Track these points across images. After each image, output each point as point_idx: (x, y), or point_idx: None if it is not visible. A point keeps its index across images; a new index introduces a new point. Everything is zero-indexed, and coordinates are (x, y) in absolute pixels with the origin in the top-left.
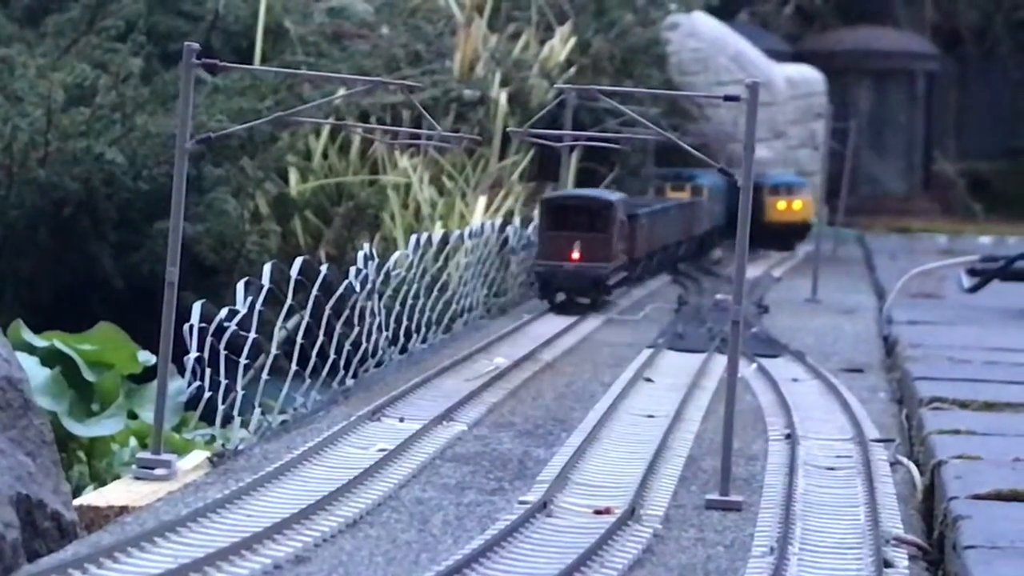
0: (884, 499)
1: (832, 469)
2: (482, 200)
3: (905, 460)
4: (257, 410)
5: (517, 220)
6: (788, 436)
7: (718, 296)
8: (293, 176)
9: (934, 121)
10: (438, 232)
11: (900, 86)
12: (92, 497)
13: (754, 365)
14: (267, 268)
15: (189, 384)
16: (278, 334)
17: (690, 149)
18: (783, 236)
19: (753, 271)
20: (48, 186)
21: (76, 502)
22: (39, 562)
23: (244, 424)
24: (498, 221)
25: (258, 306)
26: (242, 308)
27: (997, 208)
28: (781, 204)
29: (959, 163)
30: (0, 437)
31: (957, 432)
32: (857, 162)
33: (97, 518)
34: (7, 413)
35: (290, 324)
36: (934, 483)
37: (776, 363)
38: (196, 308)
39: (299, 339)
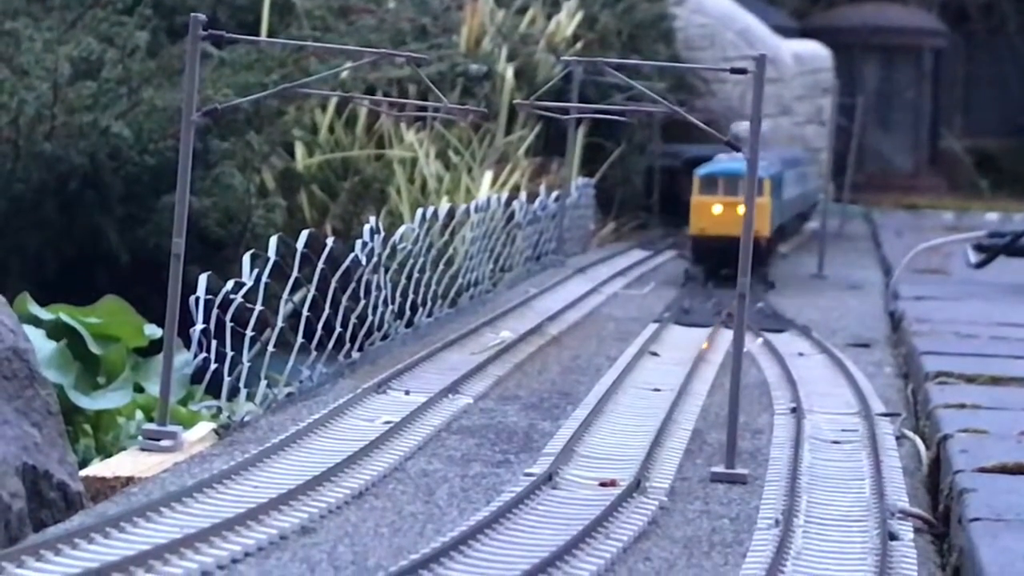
0: (889, 472)
1: (837, 443)
2: (488, 175)
3: (911, 434)
4: (263, 382)
5: (523, 195)
6: (794, 410)
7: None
8: (299, 150)
9: (941, 97)
10: (444, 206)
11: (907, 62)
12: (98, 468)
13: (760, 339)
14: (273, 241)
15: (195, 356)
16: (284, 307)
17: (697, 122)
18: (717, 259)
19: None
20: (54, 160)
21: (82, 473)
22: (45, 532)
23: (250, 396)
24: (504, 195)
25: (264, 279)
26: (248, 281)
27: (1004, 184)
28: (716, 207)
29: (966, 139)
30: (6, 407)
31: (963, 406)
32: (864, 138)
33: (103, 489)
34: (13, 383)
35: (296, 297)
36: (940, 456)
37: (782, 338)
38: (202, 280)
39: (305, 312)
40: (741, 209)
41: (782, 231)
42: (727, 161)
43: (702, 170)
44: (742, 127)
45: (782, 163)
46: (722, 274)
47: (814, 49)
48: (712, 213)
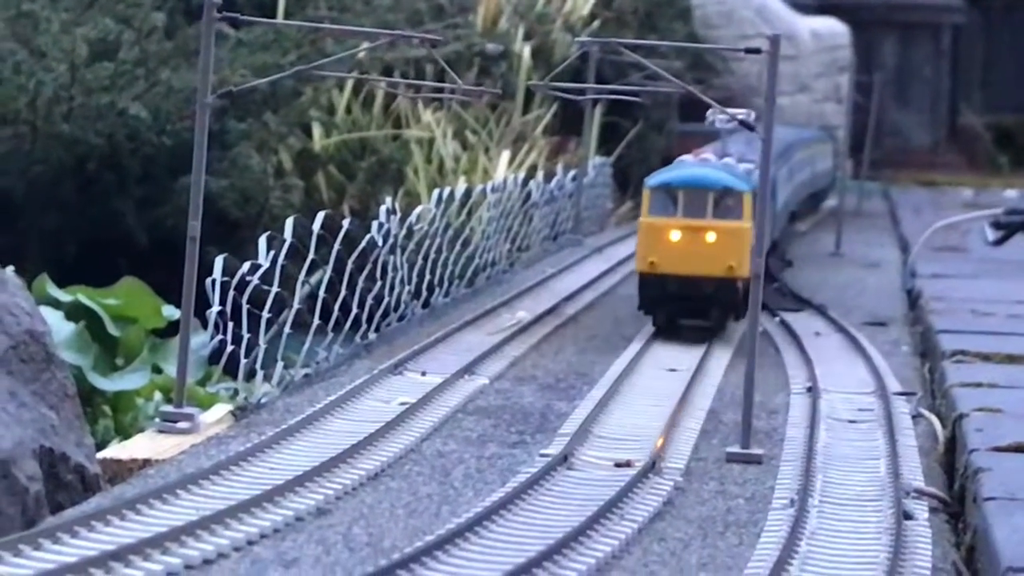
0: (905, 452)
1: (853, 422)
2: (505, 154)
3: (927, 413)
4: (280, 364)
5: (540, 174)
6: (810, 389)
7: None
8: (316, 131)
9: (960, 74)
10: (461, 186)
11: (925, 39)
12: (115, 450)
13: (777, 319)
14: (289, 223)
15: (212, 338)
16: (301, 289)
17: (711, 101)
18: (673, 307)
19: None
20: (72, 141)
21: (99, 455)
22: (62, 514)
23: (267, 378)
24: (521, 175)
25: (280, 260)
26: (264, 262)
27: (1023, 161)
28: (673, 233)
29: (985, 116)
30: (23, 390)
31: (979, 385)
32: (882, 115)
33: (120, 471)
34: (30, 367)
35: (313, 279)
36: (955, 436)
37: (799, 317)
38: (218, 263)
39: (321, 293)
40: (711, 237)
41: (773, 245)
42: (692, 164)
43: (655, 179)
44: (719, 116)
45: (779, 154)
46: (682, 325)
47: (832, 26)
48: (667, 242)
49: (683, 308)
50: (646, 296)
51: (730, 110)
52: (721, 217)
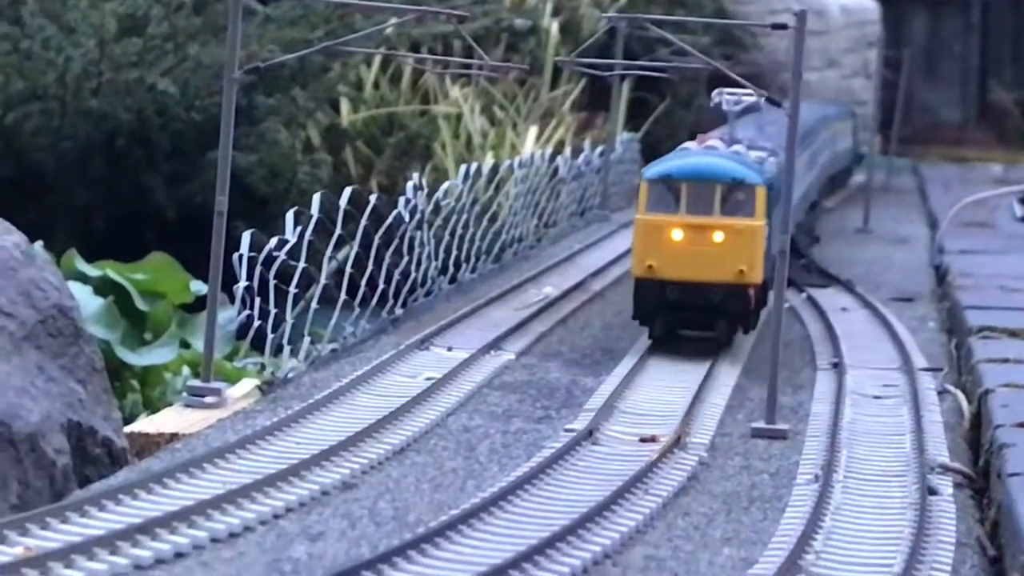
0: (930, 427)
1: (879, 398)
2: (533, 130)
3: (953, 389)
4: (306, 339)
5: (568, 150)
6: (836, 365)
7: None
8: (344, 106)
9: (990, 49)
10: (489, 162)
11: (955, 14)
12: (143, 424)
13: (804, 295)
14: (316, 198)
15: (239, 313)
16: (328, 264)
17: (736, 78)
18: (675, 318)
19: None
20: (101, 116)
21: (127, 429)
22: (90, 488)
23: (294, 353)
24: (549, 151)
25: (307, 236)
26: (291, 238)
27: None
28: (675, 232)
29: (1015, 92)
30: (51, 365)
31: (1005, 361)
32: (911, 91)
33: (148, 445)
34: (58, 341)
35: (340, 254)
36: (981, 411)
37: (826, 293)
38: (245, 238)
39: (348, 269)
40: (719, 237)
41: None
42: (696, 153)
43: (653, 169)
44: (726, 97)
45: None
46: (685, 335)
47: (861, 1)
48: (668, 242)
49: (685, 319)
50: (642, 304)
51: (738, 90)
52: (730, 214)
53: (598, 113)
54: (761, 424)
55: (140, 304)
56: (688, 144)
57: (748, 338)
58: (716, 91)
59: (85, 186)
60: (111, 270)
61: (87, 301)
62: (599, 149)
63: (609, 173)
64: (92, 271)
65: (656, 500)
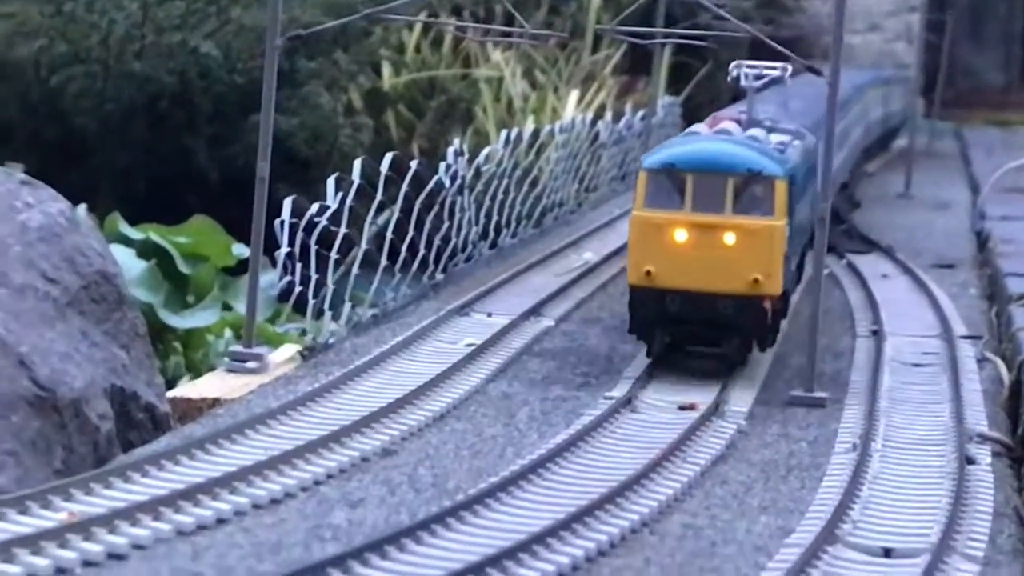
0: (969, 396)
1: (918, 366)
2: (574, 94)
3: (992, 357)
4: (347, 304)
5: (609, 114)
6: (875, 333)
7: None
8: (386, 70)
9: None
10: (530, 126)
11: None
12: (185, 389)
13: (844, 261)
14: (357, 164)
15: (281, 278)
16: (368, 229)
17: (774, 44)
18: (678, 330)
19: None
20: (144, 79)
21: (169, 394)
22: (133, 453)
23: (335, 317)
24: (590, 115)
25: (348, 202)
26: (332, 203)
27: None
28: (679, 233)
29: None
30: (95, 330)
31: None
32: (954, 54)
33: (190, 410)
34: (101, 307)
35: (381, 219)
36: (1021, 380)
37: (866, 259)
38: (286, 204)
39: (389, 234)
40: (730, 238)
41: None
42: (706, 139)
43: (654, 157)
44: (744, 70)
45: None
46: (692, 351)
47: None
48: (670, 245)
49: (689, 334)
50: (639, 317)
51: (760, 63)
52: (744, 212)
53: (639, 77)
54: (800, 392)
55: (183, 267)
56: (697, 127)
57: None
58: (734, 64)
59: (127, 149)
60: (154, 233)
61: (130, 264)
62: (640, 113)
63: (650, 137)
64: (135, 234)
65: (695, 468)
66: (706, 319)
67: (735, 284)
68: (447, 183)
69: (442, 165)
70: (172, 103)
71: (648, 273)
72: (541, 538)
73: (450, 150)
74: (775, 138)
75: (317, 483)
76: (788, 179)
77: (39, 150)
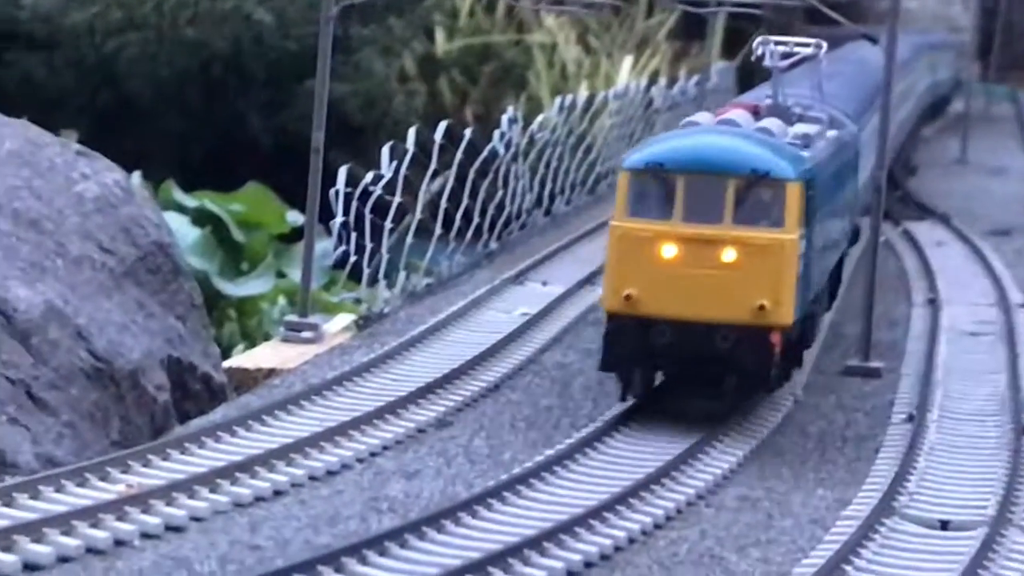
0: None
1: (975, 335)
2: (628, 59)
3: None
4: (402, 273)
5: (663, 80)
6: (931, 301)
7: None
8: (439, 35)
9: None
10: (583, 92)
11: None
12: (241, 359)
13: (899, 228)
14: (412, 132)
15: (336, 247)
16: (423, 197)
17: (828, 11)
18: (664, 361)
19: None
20: (197, 45)
21: (225, 364)
22: (189, 424)
23: (389, 286)
24: (644, 81)
25: (403, 171)
26: (387, 172)
27: None
28: (666, 248)
29: None
30: (151, 301)
31: None
32: (1011, 17)
33: (246, 379)
34: (157, 278)
35: (434, 187)
36: None
37: (921, 226)
38: (341, 173)
39: (443, 202)
40: (729, 255)
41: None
42: (704, 131)
43: (638, 155)
44: (770, 48)
45: (865, 100)
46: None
47: None
48: (656, 262)
49: (680, 371)
50: (616, 352)
51: (790, 39)
52: (748, 222)
53: (693, 42)
54: (856, 362)
55: (237, 235)
56: (699, 116)
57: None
58: (760, 39)
59: (181, 115)
60: (209, 200)
61: (184, 232)
62: (694, 78)
63: (704, 102)
64: (190, 201)
65: (752, 441)
66: (699, 355)
67: (735, 312)
68: (501, 151)
69: (496, 132)
70: (225, 69)
71: (629, 298)
72: (598, 512)
73: (504, 117)
74: (799, 129)
75: (373, 455)
76: (805, 181)
77: (93, 116)
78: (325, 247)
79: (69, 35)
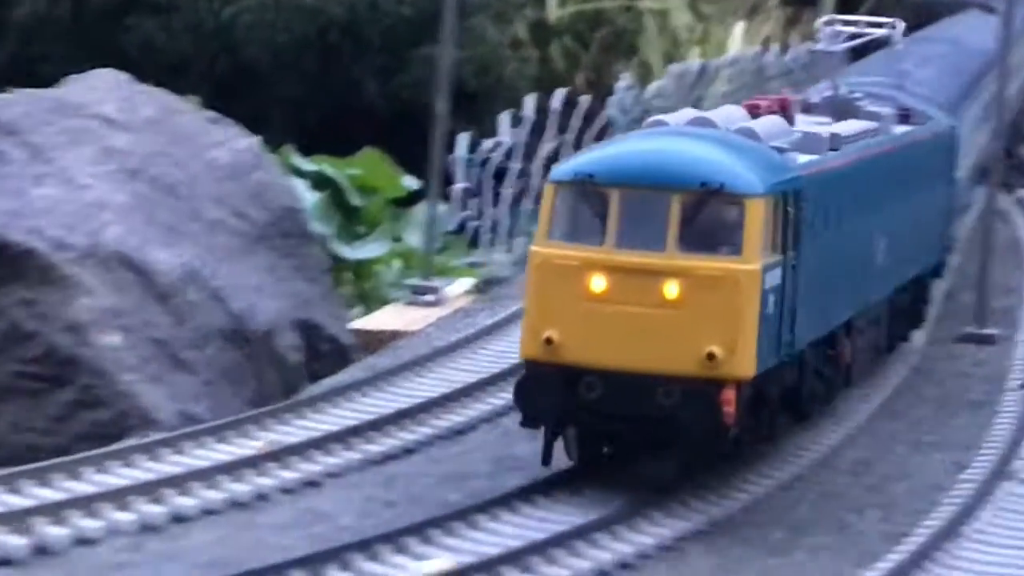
0: None
1: None
2: (740, 25)
3: None
4: (522, 239)
5: (775, 47)
6: None
7: None
8: (551, 1)
9: None
10: (695, 58)
11: None
12: (367, 321)
13: (1014, 195)
14: (530, 99)
15: (456, 213)
16: (539, 162)
17: None
18: (587, 423)
19: None
20: (314, 11)
21: (351, 326)
22: (320, 383)
23: (509, 250)
24: (755, 47)
25: (524, 139)
26: (506, 138)
27: None
28: (596, 280)
29: None
30: (282, 264)
31: None
32: None
33: (371, 341)
34: (288, 242)
35: (550, 150)
36: None
37: None
38: (462, 140)
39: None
40: (672, 290)
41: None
42: (654, 136)
43: (569, 165)
44: (827, 30)
45: (967, 84)
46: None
47: None
48: (584, 297)
49: (610, 432)
50: (534, 406)
51: (860, 18)
52: (696, 249)
53: (806, 8)
54: (971, 329)
55: (353, 199)
56: (669, 116)
57: (963, 236)
58: (824, 19)
59: (298, 80)
60: (326, 165)
61: (304, 196)
62: (807, 45)
63: (815, 70)
64: (308, 166)
65: (877, 402)
66: (636, 414)
67: (679, 362)
68: (619, 117)
69: (611, 99)
70: (342, 35)
71: (550, 341)
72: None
73: (619, 84)
74: (848, 127)
75: (499, 415)
76: (783, 196)
77: (212, 82)
78: (443, 211)
79: (187, 2)
